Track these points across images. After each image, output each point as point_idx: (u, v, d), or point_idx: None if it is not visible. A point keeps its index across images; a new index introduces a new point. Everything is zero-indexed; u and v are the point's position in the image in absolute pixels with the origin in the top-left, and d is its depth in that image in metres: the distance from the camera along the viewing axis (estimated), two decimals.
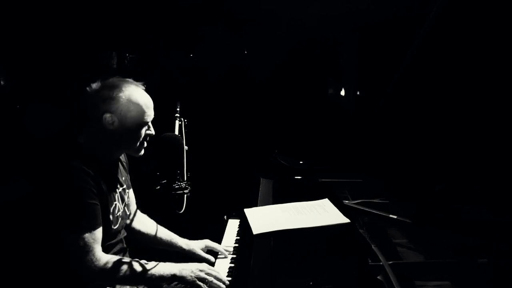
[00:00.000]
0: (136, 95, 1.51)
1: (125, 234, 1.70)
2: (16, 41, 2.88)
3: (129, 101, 1.49)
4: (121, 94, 1.48)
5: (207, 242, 1.88)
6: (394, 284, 1.27)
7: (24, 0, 2.86)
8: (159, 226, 1.88)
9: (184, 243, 1.86)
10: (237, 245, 1.91)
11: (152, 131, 1.59)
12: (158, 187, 2.17)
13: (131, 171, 1.85)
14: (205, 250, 1.86)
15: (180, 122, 2.47)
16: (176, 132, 2.41)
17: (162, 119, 2.34)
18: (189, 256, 1.82)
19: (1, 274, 2.09)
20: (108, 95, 1.47)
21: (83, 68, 2.97)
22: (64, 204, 1.36)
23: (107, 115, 1.46)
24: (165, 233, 1.87)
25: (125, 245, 1.68)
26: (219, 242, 1.95)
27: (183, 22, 3.36)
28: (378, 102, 2.96)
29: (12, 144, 2.76)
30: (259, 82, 3.54)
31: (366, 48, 3.53)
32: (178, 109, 2.54)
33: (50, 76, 2.96)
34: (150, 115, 1.55)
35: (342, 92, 3.79)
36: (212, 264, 1.73)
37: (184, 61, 3.42)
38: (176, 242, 1.86)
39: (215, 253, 1.85)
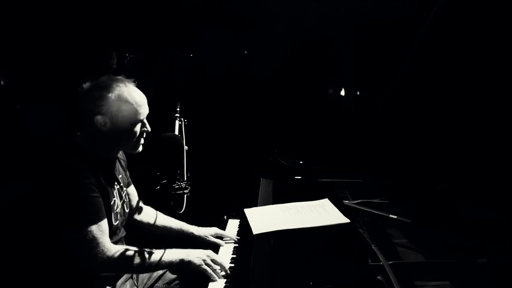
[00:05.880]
0: (126, 94, 1.48)
1: (124, 233, 1.70)
2: (16, 41, 2.88)
3: (120, 100, 1.47)
4: (110, 95, 1.45)
5: (217, 230, 1.96)
6: (394, 284, 1.27)
7: (24, 0, 2.86)
8: (165, 216, 1.95)
9: (195, 229, 1.94)
10: (237, 245, 1.91)
11: (148, 128, 1.58)
12: (158, 187, 2.17)
13: (131, 171, 1.85)
14: (215, 237, 1.94)
15: (180, 122, 2.48)
16: (176, 132, 2.41)
17: (162, 119, 2.35)
18: (199, 242, 1.89)
19: (3, 276, 2.09)
20: (98, 95, 1.45)
21: (83, 68, 2.97)
22: (66, 201, 1.36)
23: (99, 117, 1.45)
24: (174, 222, 1.94)
25: (125, 244, 1.67)
26: None
27: (183, 22, 3.36)
28: (378, 102, 2.96)
29: (12, 144, 2.76)
30: (259, 82, 3.54)
31: (366, 47, 3.53)
32: (178, 109, 2.54)
33: (50, 77, 2.96)
34: (143, 112, 1.53)
35: (342, 92, 3.79)
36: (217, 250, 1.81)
37: (184, 61, 3.41)
38: (187, 229, 1.93)
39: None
